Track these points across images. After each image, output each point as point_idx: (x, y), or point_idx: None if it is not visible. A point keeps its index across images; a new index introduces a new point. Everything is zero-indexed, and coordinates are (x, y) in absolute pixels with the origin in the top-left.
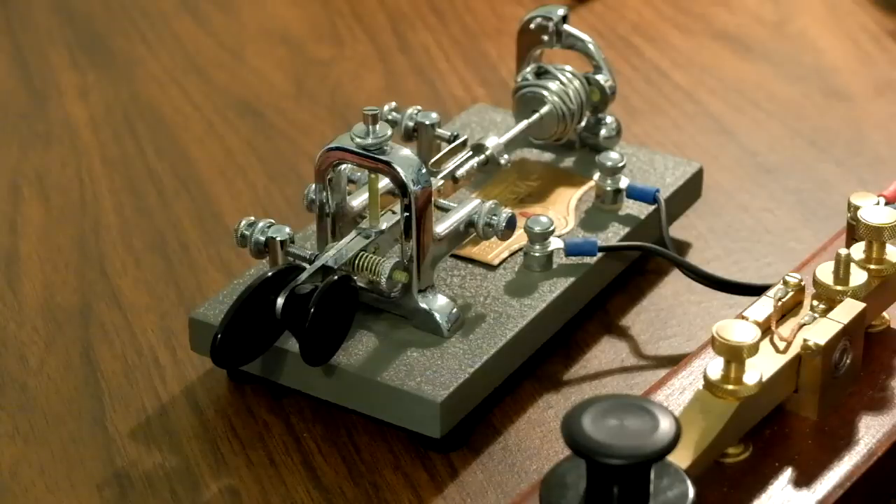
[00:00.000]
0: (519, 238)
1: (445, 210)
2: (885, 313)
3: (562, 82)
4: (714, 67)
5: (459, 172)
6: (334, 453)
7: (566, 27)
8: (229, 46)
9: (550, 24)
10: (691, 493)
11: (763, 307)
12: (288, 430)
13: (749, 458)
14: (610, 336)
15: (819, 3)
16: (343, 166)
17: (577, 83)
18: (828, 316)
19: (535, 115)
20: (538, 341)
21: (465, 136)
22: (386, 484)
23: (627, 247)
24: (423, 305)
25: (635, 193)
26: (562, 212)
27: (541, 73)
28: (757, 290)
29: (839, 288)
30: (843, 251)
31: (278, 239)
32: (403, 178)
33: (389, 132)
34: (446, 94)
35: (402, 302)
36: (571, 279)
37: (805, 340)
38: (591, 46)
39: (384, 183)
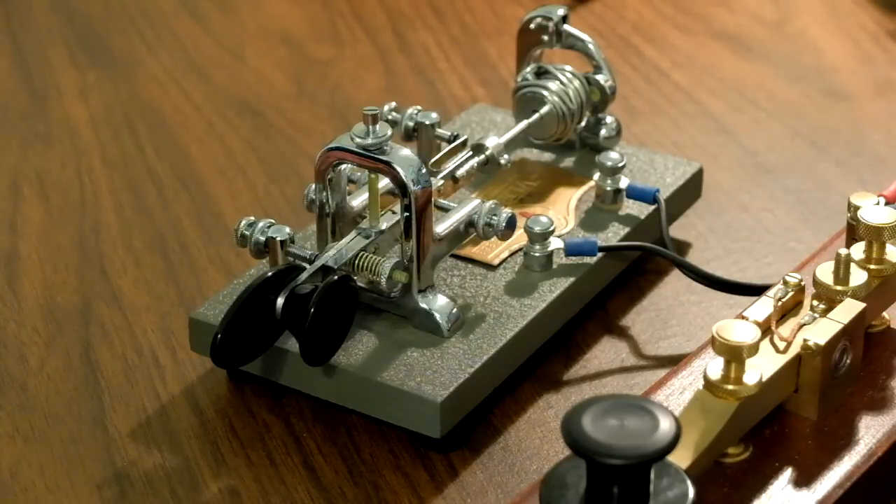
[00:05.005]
0: (519, 238)
1: (445, 210)
2: (885, 313)
3: (562, 82)
4: (714, 67)
5: (459, 172)
6: (334, 453)
7: (566, 27)
8: (229, 46)
9: (550, 24)
10: (691, 493)
11: (763, 307)
12: (288, 430)
13: (749, 458)
14: (610, 336)
15: (819, 3)
16: (343, 166)
17: (577, 83)
18: (828, 316)
19: (535, 115)
20: (538, 341)
21: (465, 136)
22: (386, 484)
23: (627, 247)
24: (423, 305)
25: (635, 193)
26: (562, 212)
27: (541, 73)
28: (757, 290)
29: (839, 288)
30: (843, 251)
31: (278, 239)
32: (403, 178)
33: (389, 132)
34: (446, 94)
35: (402, 302)
36: (571, 279)
37: (805, 340)
38: (591, 46)
39: (384, 183)
